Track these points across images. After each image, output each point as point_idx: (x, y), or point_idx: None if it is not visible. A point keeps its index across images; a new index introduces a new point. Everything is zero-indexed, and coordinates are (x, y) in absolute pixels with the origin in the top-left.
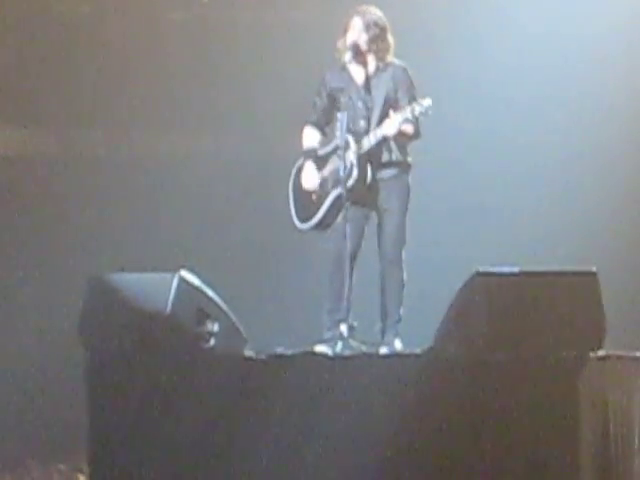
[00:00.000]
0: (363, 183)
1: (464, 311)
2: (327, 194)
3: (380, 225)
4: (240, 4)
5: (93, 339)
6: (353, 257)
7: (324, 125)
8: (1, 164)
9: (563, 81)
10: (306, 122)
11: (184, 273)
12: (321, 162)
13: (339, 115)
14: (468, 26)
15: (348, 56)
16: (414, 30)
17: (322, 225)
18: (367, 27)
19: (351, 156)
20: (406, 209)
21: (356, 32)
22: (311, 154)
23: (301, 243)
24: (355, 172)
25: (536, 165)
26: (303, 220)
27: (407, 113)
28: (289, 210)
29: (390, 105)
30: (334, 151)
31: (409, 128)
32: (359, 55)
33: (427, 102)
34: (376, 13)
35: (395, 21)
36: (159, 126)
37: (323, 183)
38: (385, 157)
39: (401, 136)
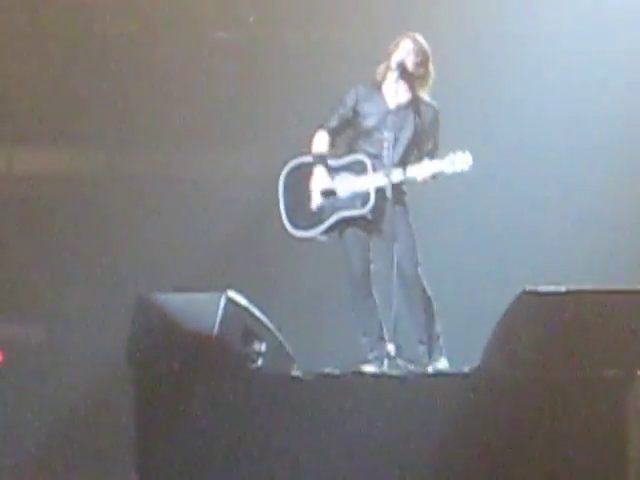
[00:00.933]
0: (375, 214)
1: (512, 330)
2: (333, 212)
3: (393, 251)
4: (286, 23)
5: (141, 359)
6: (365, 275)
7: (338, 134)
8: (47, 183)
9: (601, 92)
10: (321, 126)
11: (231, 293)
12: (333, 174)
13: (386, 134)
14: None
15: (395, 75)
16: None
17: (318, 237)
18: (417, 51)
19: (373, 182)
20: (413, 232)
21: (405, 53)
22: (321, 160)
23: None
24: (371, 202)
25: (582, 182)
26: (299, 228)
27: (445, 166)
28: (279, 210)
29: (414, 143)
30: (347, 167)
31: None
32: (405, 77)
33: (468, 159)
34: (423, 41)
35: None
36: (208, 147)
37: (332, 198)
38: (399, 190)
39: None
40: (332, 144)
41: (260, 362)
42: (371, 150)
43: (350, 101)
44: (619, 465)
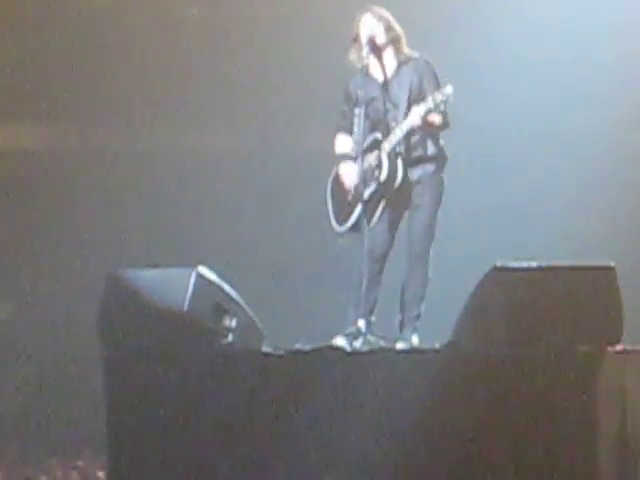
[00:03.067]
0: (394, 178)
1: (482, 306)
2: (361, 194)
3: (411, 221)
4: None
5: (111, 335)
6: (384, 256)
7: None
8: (19, 160)
9: (589, 77)
10: (337, 129)
11: (202, 269)
12: (356, 163)
13: (356, 111)
14: (484, 20)
15: (366, 51)
16: (429, 26)
17: (358, 226)
18: (379, 19)
19: (382, 153)
20: (438, 205)
21: (369, 27)
22: (344, 157)
23: (318, 239)
24: (385, 168)
25: (554, 160)
26: (341, 222)
27: (429, 103)
28: (328, 216)
29: (416, 99)
30: (365, 151)
31: (436, 118)
32: (377, 49)
33: (448, 89)
34: (381, 9)
35: (412, 18)
36: (177, 122)
37: (358, 184)
38: (419, 152)
39: (429, 127)
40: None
41: (231, 338)
42: (380, 125)
43: (349, 98)
44: (590, 440)
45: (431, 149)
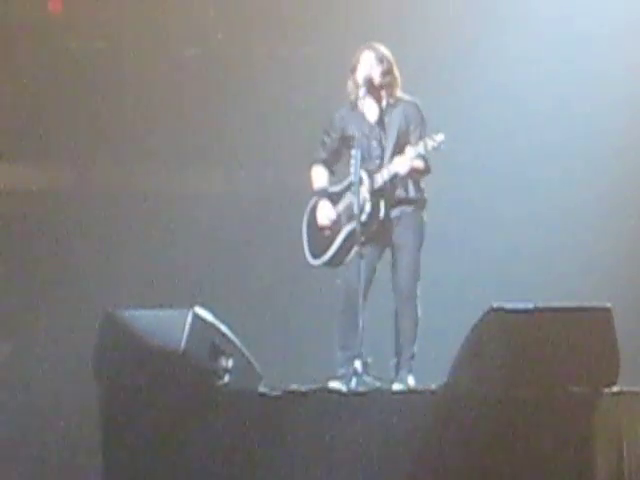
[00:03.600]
0: (376, 219)
1: (479, 347)
2: (340, 230)
3: (395, 261)
4: (254, 40)
5: (107, 374)
6: (365, 294)
7: (333, 164)
8: (14, 198)
9: (578, 117)
10: (314, 161)
11: (198, 309)
12: (335, 199)
13: (353, 152)
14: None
15: (362, 91)
16: (422, 65)
17: (334, 261)
18: (379, 60)
19: (364, 192)
20: (421, 245)
21: (368, 66)
22: (324, 193)
23: (315, 279)
24: (368, 207)
25: (550, 201)
26: (316, 256)
27: (420, 148)
28: (302, 247)
29: (403, 141)
30: (347, 188)
31: (420, 164)
32: (373, 89)
33: (440, 137)
34: (383, 48)
35: (405, 56)
36: (172, 162)
37: (337, 219)
38: (401, 194)
39: (413, 172)
40: (332, 173)
41: (227, 378)
42: (366, 164)
43: (332, 129)
44: None
45: (412, 192)
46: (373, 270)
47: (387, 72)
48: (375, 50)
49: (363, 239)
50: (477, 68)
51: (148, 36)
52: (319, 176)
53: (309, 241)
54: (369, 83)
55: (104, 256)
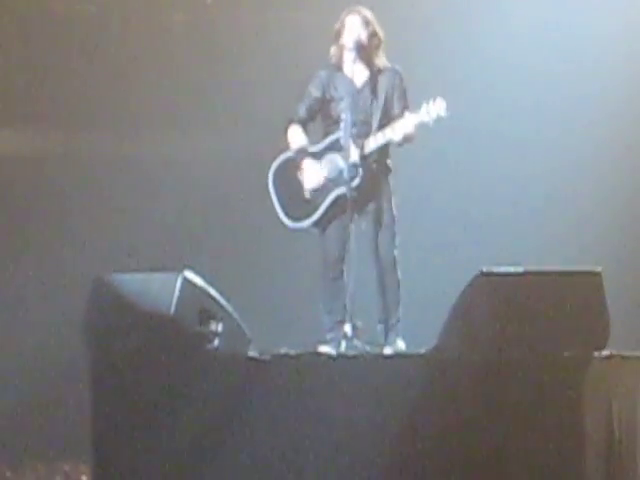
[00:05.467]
0: (367, 185)
1: (468, 311)
2: (326, 194)
3: (375, 227)
4: (242, 4)
5: (97, 339)
6: (342, 259)
7: (309, 122)
8: (3, 164)
9: (565, 83)
10: (291, 120)
11: (188, 273)
12: (317, 159)
13: (342, 115)
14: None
15: (352, 55)
16: (410, 30)
17: (319, 226)
18: (365, 24)
19: (355, 157)
20: (392, 205)
21: (355, 30)
22: (302, 152)
23: (306, 243)
24: (360, 172)
25: (539, 165)
26: (296, 219)
27: (423, 115)
28: (274, 209)
29: (388, 108)
30: (328, 149)
31: (412, 131)
32: (362, 52)
33: (443, 104)
34: (366, 10)
35: (393, 21)
36: (160, 126)
37: (322, 182)
38: (385, 159)
39: (405, 140)
40: (306, 133)
41: (216, 342)
42: (353, 128)
43: (315, 91)
44: (577, 445)
45: (389, 158)
46: (348, 234)
47: (373, 34)
48: (359, 13)
49: (352, 204)
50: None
51: (136, 1)
52: (297, 135)
53: (284, 203)
54: (359, 46)
55: (94, 220)
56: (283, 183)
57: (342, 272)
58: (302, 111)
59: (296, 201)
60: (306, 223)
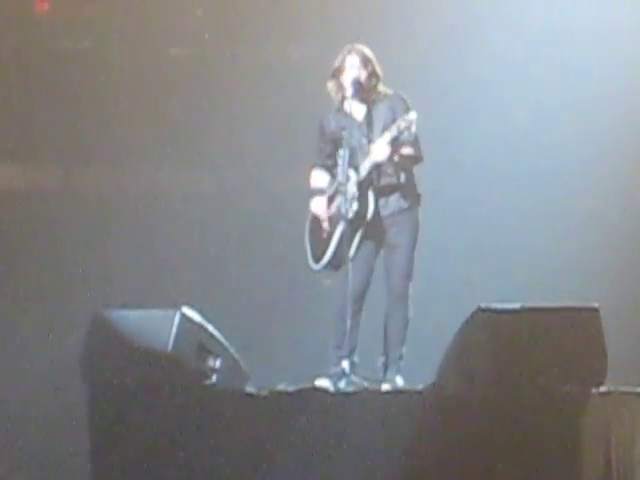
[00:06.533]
0: (365, 214)
1: (466, 347)
2: (334, 231)
3: (388, 262)
4: (240, 40)
5: (95, 375)
6: (362, 294)
7: (332, 167)
8: (1, 199)
9: (569, 116)
10: (314, 165)
11: (186, 310)
12: (329, 201)
13: (341, 152)
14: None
15: (350, 93)
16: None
17: (334, 263)
18: (364, 64)
19: (353, 188)
20: (415, 244)
21: (354, 71)
22: (318, 192)
23: (302, 279)
24: (355, 204)
25: (538, 203)
26: (317, 260)
27: (393, 131)
28: (305, 253)
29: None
30: (338, 187)
31: (408, 150)
32: (361, 91)
33: (412, 116)
34: (365, 49)
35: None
36: (161, 163)
37: (331, 220)
38: (390, 180)
39: (402, 159)
40: (332, 176)
41: (214, 378)
42: (355, 162)
43: (323, 135)
44: None
45: (403, 179)
46: (370, 270)
47: (372, 74)
48: (359, 53)
49: (358, 237)
50: (466, 69)
51: (135, 36)
52: (317, 178)
53: (312, 246)
54: (357, 85)
55: (93, 257)
56: (313, 228)
57: (359, 308)
58: (318, 157)
59: (319, 242)
60: (323, 263)
